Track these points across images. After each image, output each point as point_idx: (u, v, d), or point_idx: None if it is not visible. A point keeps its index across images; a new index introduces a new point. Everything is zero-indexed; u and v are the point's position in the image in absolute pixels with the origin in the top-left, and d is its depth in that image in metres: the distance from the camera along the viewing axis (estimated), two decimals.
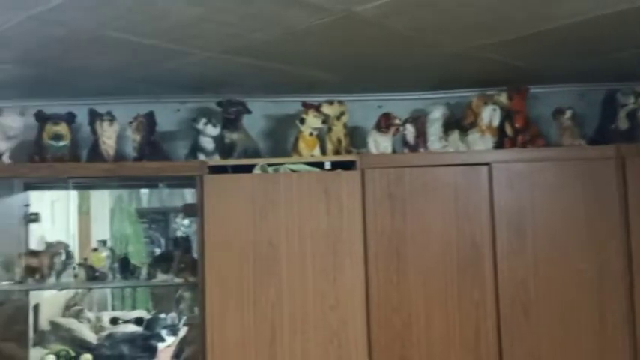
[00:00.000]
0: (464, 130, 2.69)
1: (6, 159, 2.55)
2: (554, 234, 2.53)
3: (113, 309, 4.17)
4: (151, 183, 3.27)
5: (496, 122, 2.64)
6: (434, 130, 2.65)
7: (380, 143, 2.64)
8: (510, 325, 2.50)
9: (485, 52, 2.33)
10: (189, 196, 3.62)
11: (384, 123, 2.63)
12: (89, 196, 3.84)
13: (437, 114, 2.66)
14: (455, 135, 2.68)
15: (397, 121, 2.64)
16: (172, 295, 3.96)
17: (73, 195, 3.71)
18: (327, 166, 2.58)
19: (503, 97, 2.66)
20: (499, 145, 2.65)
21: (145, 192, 3.88)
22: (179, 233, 3.75)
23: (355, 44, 2.19)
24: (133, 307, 4.18)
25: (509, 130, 2.64)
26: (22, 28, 1.90)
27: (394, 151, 2.68)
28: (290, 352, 2.47)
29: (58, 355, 3.10)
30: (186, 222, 3.85)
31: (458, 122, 2.73)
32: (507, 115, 2.65)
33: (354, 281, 2.49)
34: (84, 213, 3.87)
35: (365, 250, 2.51)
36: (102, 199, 3.96)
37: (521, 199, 2.54)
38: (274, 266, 2.49)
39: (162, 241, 4.02)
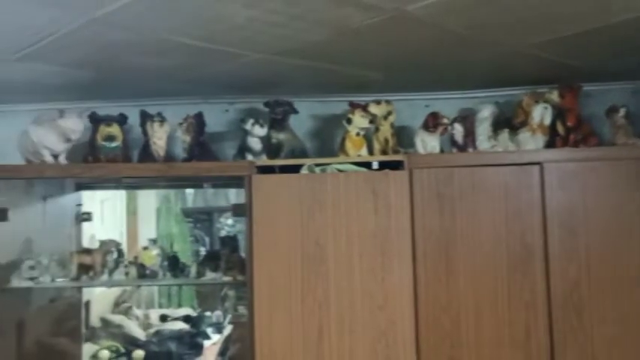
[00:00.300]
0: (514, 129, 2.65)
1: (62, 159, 2.62)
2: (606, 234, 2.48)
3: (160, 307, 4.26)
4: (196, 183, 3.29)
5: (547, 121, 2.60)
6: (483, 129, 2.62)
7: (427, 143, 2.63)
8: (562, 327, 2.46)
9: (537, 50, 2.30)
10: (232, 196, 3.69)
11: (432, 122, 2.61)
12: (136, 196, 3.92)
13: (486, 113, 2.63)
14: (504, 134, 2.64)
15: (445, 121, 2.62)
16: (217, 293, 4.02)
17: (122, 195, 3.78)
18: (375, 165, 2.57)
19: (554, 95, 2.61)
20: (550, 144, 2.61)
21: (189, 192, 3.94)
22: (224, 232, 3.80)
23: (405, 43, 2.18)
24: (179, 305, 4.26)
25: (560, 129, 2.60)
26: (83, 32, 1.94)
27: (442, 151, 2.66)
28: (338, 351, 2.47)
29: (110, 350, 3.15)
30: (229, 221, 3.91)
31: (508, 121, 2.69)
32: (559, 113, 2.60)
33: (402, 281, 2.48)
34: (132, 212, 3.95)
35: (413, 249, 2.50)
36: (149, 199, 4.04)
37: (573, 199, 2.49)
38: (322, 266, 2.49)
39: (207, 240, 4.08)
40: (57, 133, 2.56)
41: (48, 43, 2.04)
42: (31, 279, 2.64)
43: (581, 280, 2.47)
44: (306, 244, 2.50)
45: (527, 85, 2.75)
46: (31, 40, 2.03)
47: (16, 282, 2.64)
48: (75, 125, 2.54)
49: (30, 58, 2.21)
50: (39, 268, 2.67)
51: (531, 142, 2.60)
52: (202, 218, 4.15)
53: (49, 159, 2.60)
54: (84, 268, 2.74)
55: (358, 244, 2.50)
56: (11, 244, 2.67)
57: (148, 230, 3.94)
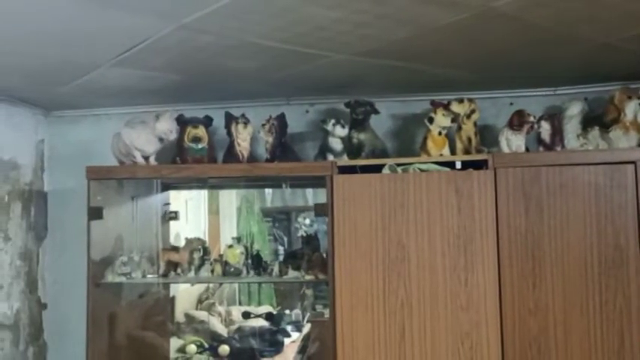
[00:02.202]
0: (605, 127, 2.55)
1: (152, 161, 2.72)
2: None
3: (240, 304, 4.31)
4: (276, 183, 3.33)
5: None
6: (571, 127, 2.54)
7: (512, 142, 2.57)
8: None
9: (629, 44, 2.19)
10: (310, 196, 3.71)
11: (517, 121, 2.55)
12: (218, 196, 3.98)
13: (574, 110, 2.54)
14: (595, 132, 2.54)
15: (531, 119, 2.55)
16: (296, 292, 4.04)
17: (204, 194, 3.90)
18: (458, 165, 2.55)
19: None
20: None
21: (268, 192, 3.99)
22: (303, 232, 3.84)
23: (490, 40, 2.14)
24: (259, 303, 4.30)
25: None
26: (173, 37, 2.02)
27: (527, 150, 2.59)
28: (420, 352, 2.45)
29: (195, 344, 3.23)
30: (307, 221, 3.92)
31: (598, 118, 2.59)
32: None
33: (486, 282, 2.44)
34: (213, 212, 4.02)
35: (497, 250, 2.45)
36: (229, 199, 4.09)
37: None
38: (404, 266, 2.49)
39: (286, 239, 4.12)
40: (148, 135, 2.67)
41: (140, 49, 2.13)
42: (124, 275, 2.76)
43: None
44: (388, 243, 2.50)
45: (617, 80, 2.64)
46: (125, 47, 2.12)
47: (110, 277, 2.75)
48: (170, 127, 2.64)
49: (124, 63, 2.31)
50: (131, 265, 2.79)
51: (624, 140, 2.49)
52: (281, 217, 4.19)
53: (140, 160, 2.70)
54: (172, 265, 2.84)
55: (441, 244, 2.48)
56: (105, 241, 2.79)
57: (229, 229, 3.99)
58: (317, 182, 2.70)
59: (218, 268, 2.81)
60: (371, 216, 2.52)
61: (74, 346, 2.85)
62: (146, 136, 2.68)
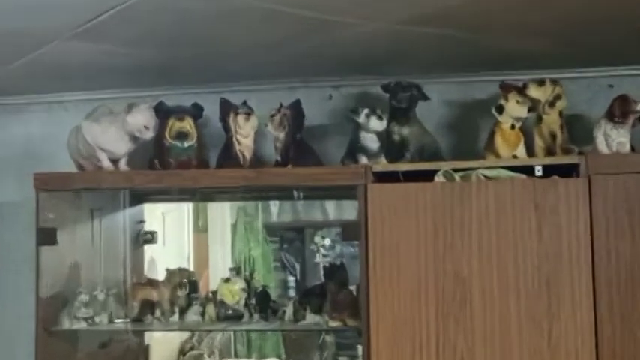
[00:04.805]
0: None
1: (123, 165, 2.72)
2: None
3: (237, 356, 4.32)
4: (284, 193, 3.29)
5: None
6: None
7: (613, 138, 2.57)
8: None
9: None
10: (331, 208, 3.67)
11: (620, 110, 2.54)
12: (206, 209, 3.99)
13: None
14: None
15: (638, 107, 2.54)
16: (313, 339, 4.04)
17: (188, 207, 3.87)
18: (538, 171, 2.53)
19: None
20: None
21: (274, 203, 3.97)
22: (322, 257, 3.82)
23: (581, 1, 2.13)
24: (262, 355, 4.30)
25: None
26: (150, 1, 2.02)
27: (632, 149, 2.59)
28: None
29: None
30: (327, 241, 3.90)
31: None
32: None
33: (577, 331, 2.43)
34: (200, 229, 4.04)
35: (594, 288, 2.44)
36: (222, 213, 4.10)
37: None
38: (464, 309, 2.48)
39: (298, 266, 4.10)
40: (118, 130, 2.67)
41: (110, 16, 2.13)
42: (85, 319, 2.76)
43: None
44: (443, 278, 2.50)
45: None
46: (89, 14, 2.13)
47: (67, 322, 2.76)
48: (146, 120, 2.63)
49: (86, 35, 2.31)
50: (93, 305, 2.79)
51: None
52: (290, 237, 4.17)
53: (107, 165, 2.70)
54: (147, 305, 2.85)
55: (515, 279, 2.47)
56: (60, 273, 2.80)
57: (221, 254, 4.01)
58: (343, 192, 2.73)
59: (211, 310, 2.82)
60: (419, 240, 2.51)
61: None
62: (115, 132, 2.68)
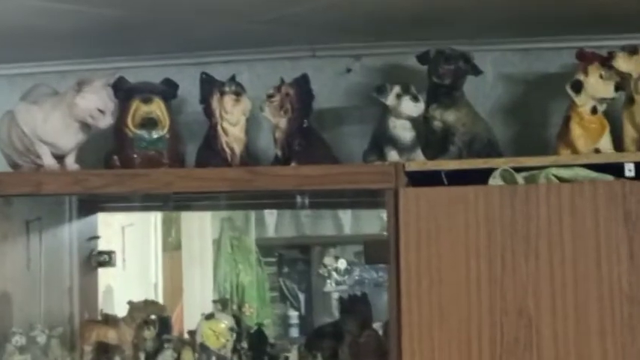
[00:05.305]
0: None
1: (71, 163, 2.59)
2: None
3: None
4: (284, 200, 3.20)
5: None
6: None
7: None
8: None
9: None
10: (347, 218, 3.47)
11: None
12: (179, 220, 3.94)
13: None
14: None
15: None
16: None
17: (156, 218, 3.84)
18: (629, 170, 2.34)
19: None
20: None
21: (270, 212, 3.79)
22: (334, 285, 3.63)
23: None
24: None
25: None
26: None
27: None
28: None
29: None
30: (341, 264, 3.69)
31: None
32: None
33: None
34: (172, 248, 3.90)
35: None
36: (200, 225, 4.02)
37: None
38: (528, 353, 2.27)
39: (302, 297, 3.95)
40: (64, 116, 2.53)
41: None
42: None
43: None
44: (500, 312, 2.30)
45: None
46: None
47: None
48: (102, 101, 2.49)
49: None
50: (31, 350, 2.64)
51: None
52: (292, 257, 4.03)
53: (49, 162, 2.57)
54: (104, 351, 2.74)
55: (599, 313, 2.25)
56: None
57: (200, 279, 3.94)
58: (364, 199, 2.71)
59: (188, 357, 2.67)
60: (469, 263, 2.32)
61: None
62: (60, 118, 2.54)
